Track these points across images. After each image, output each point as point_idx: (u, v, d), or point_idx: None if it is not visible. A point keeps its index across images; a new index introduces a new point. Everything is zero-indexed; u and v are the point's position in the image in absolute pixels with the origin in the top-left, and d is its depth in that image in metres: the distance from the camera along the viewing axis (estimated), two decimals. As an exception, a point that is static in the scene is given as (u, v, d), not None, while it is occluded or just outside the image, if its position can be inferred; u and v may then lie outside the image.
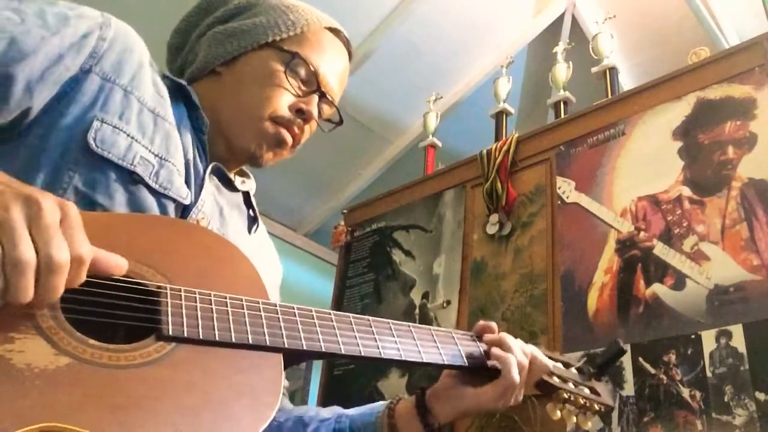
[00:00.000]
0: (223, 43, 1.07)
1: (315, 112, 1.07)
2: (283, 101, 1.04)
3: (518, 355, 0.97)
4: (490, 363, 0.97)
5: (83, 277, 0.64)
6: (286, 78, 1.04)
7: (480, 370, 0.97)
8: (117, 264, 0.69)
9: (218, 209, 1.02)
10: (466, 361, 0.95)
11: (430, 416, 0.97)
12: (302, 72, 1.06)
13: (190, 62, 1.12)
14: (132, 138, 0.88)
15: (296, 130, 1.06)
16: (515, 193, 2.19)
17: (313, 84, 1.07)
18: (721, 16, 2.76)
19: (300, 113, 1.05)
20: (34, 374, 0.59)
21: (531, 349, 1.02)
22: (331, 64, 1.10)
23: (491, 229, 2.20)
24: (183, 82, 1.03)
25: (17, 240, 0.58)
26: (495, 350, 0.98)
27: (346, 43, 1.16)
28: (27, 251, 0.58)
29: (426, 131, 2.90)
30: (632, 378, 1.68)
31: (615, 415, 1.66)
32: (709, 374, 1.55)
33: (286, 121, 1.04)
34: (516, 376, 0.94)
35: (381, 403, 1.05)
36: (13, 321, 0.62)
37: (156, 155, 0.90)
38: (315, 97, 1.07)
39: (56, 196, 0.64)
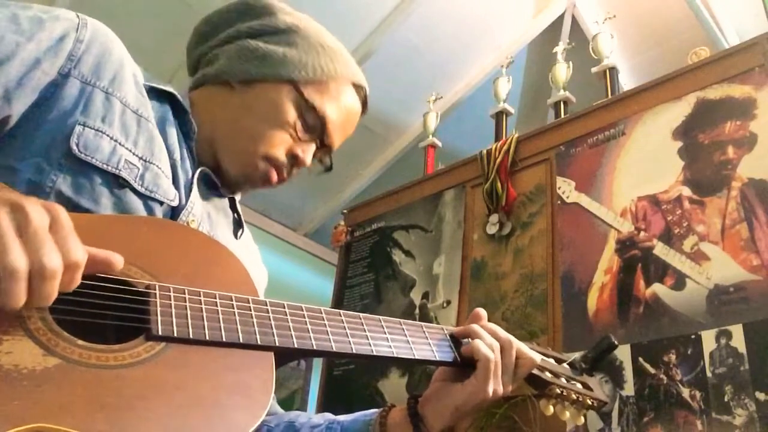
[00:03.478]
0: (247, 60, 1.05)
1: (309, 160, 1.06)
2: (282, 144, 1.03)
3: (485, 337, 0.96)
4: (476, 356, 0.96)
5: (78, 281, 0.64)
6: (294, 123, 1.04)
7: (470, 367, 0.96)
8: (115, 260, 0.68)
9: (206, 213, 1.01)
10: (458, 357, 0.95)
11: (423, 424, 0.95)
12: (310, 120, 1.05)
13: (208, 61, 1.10)
14: (115, 141, 0.87)
15: (285, 174, 1.05)
16: (515, 193, 2.18)
17: (317, 132, 1.06)
18: (721, 16, 2.76)
19: (294, 158, 1.04)
20: (22, 375, 0.59)
21: (516, 342, 0.99)
22: (341, 118, 1.08)
23: (491, 229, 2.20)
24: (171, 90, 1.01)
25: (7, 247, 0.58)
26: (465, 342, 0.97)
27: (364, 99, 1.15)
28: (18, 259, 0.58)
29: (426, 131, 2.90)
30: (632, 378, 1.67)
31: (615, 415, 1.66)
32: (709, 374, 1.55)
33: (279, 163, 1.03)
34: (487, 353, 0.93)
35: (374, 410, 1.03)
36: (0, 322, 0.61)
37: (140, 158, 0.89)
38: (313, 145, 1.06)
39: (43, 200, 0.63)
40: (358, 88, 1.12)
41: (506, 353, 0.97)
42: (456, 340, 0.98)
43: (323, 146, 1.08)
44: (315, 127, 1.05)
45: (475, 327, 0.98)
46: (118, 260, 0.69)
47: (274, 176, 1.04)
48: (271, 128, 1.02)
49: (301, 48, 1.07)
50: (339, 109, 1.08)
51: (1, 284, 0.58)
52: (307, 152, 1.05)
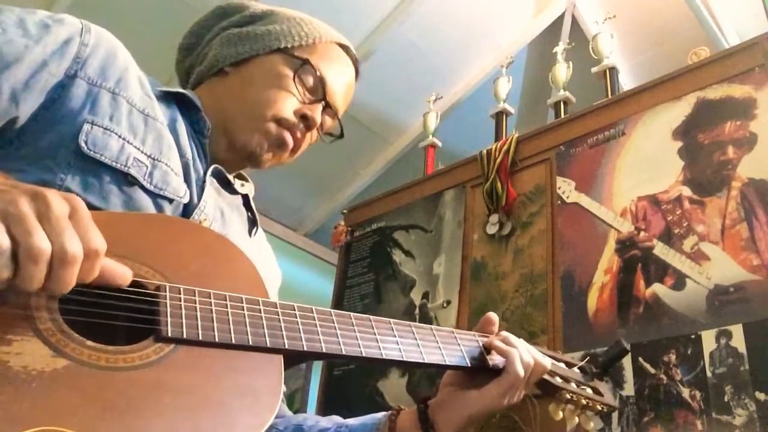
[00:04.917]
0: (235, 44, 1.09)
1: (318, 120, 1.08)
2: (289, 105, 1.05)
3: (522, 352, 0.97)
4: (491, 361, 0.96)
5: (97, 271, 0.64)
6: (294, 83, 1.05)
7: (480, 371, 0.96)
8: (122, 274, 0.69)
9: (219, 211, 1.02)
10: (468, 361, 0.95)
11: (434, 430, 0.95)
12: (310, 80, 1.07)
13: (199, 62, 1.13)
14: (124, 139, 0.87)
15: (298, 134, 1.06)
16: (515, 193, 2.18)
17: (319, 93, 1.08)
18: (721, 16, 2.76)
19: (304, 119, 1.06)
20: (31, 376, 0.59)
21: (532, 349, 1.01)
22: (338, 77, 1.11)
23: (491, 229, 2.20)
24: (181, 90, 1.03)
25: (31, 230, 0.58)
26: (497, 344, 0.97)
27: (355, 61, 1.17)
28: (42, 240, 0.58)
29: (426, 131, 2.90)
30: (632, 378, 1.67)
31: (615, 415, 1.66)
32: (709, 374, 1.55)
33: (290, 124, 1.05)
34: (520, 369, 0.94)
35: (382, 414, 1.03)
36: (10, 323, 0.61)
37: (148, 156, 0.90)
38: (320, 106, 1.08)
39: (62, 192, 0.64)
40: (345, 48, 1.15)
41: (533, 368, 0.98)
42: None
43: (328, 106, 1.10)
44: (316, 86, 1.07)
45: (513, 340, 0.99)
46: (127, 274, 0.69)
47: (288, 138, 1.05)
48: (274, 92, 1.05)
49: (281, 23, 1.11)
50: (332, 66, 1.10)
51: (22, 266, 0.58)
52: (315, 111, 1.07)
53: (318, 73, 1.07)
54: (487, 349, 0.98)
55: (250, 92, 1.05)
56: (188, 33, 1.17)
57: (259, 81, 1.06)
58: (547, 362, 1.00)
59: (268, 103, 1.04)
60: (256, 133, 1.04)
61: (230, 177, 1.06)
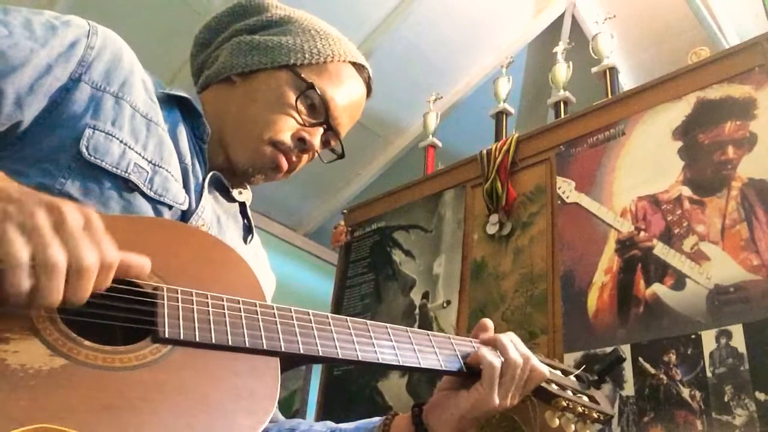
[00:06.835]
0: (245, 54, 1.07)
1: (317, 144, 1.06)
2: (287, 127, 1.03)
3: (511, 352, 0.96)
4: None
5: (110, 282, 0.65)
6: (296, 105, 1.04)
7: (477, 377, 0.96)
8: (142, 264, 0.69)
9: (216, 217, 1.02)
10: (464, 366, 0.95)
11: None
12: (314, 103, 1.05)
13: (209, 64, 1.12)
14: (125, 144, 0.87)
15: (293, 158, 1.06)
16: (515, 193, 2.18)
17: (322, 116, 1.06)
18: (721, 16, 2.75)
19: (301, 142, 1.05)
20: (28, 375, 0.59)
21: (529, 354, 1.00)
22: (345, 99, 1.09)
23: (491, 229, 2.20)
24: (184, 95, 1.02)
25: (48, 243, 0.59)
26: (475, 353, 0.97)
27: (368, 80, 1.15)
28: (58, 253, 0.59)
29: (426, 131, 2.89)
30: (632, 378, 1.67)
31: (615, 415, 1.66)
32: (709, 374, 1.55)
33: (286, 147, 1.04)
34: (492, 360, 0.92)
35: (377, 418, 1.03)
36: (8, 321, 0.62)
37: (149, 162, 0.90)
38: (320, 129, 1.06)
39: (75, 203, 0.64)
40: (358, 67, 1.13)
41: (523, 367, 0.97)
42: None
43: (330, 129, 1.08)
44: (319, 109, 1.05)
45: (500, 337, 0.98)
46: (145, 264, 0.69)
47: (284, 162, 1.04)
48: (274, 113, 1.03)
49: (295, 35, 1.08)
50: (340, 88, 1.08)
51: (40, 279, 0.58)
52: (314, 135, 1.05)
53: (323, 98, 1.05)
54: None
55: (252, 109, 1.04)
56: (204, 27, 1.16)
57: (262, 98, 1.04)
58: (545, 370, 1.00)
59: (267, 124, 1.03)
60: (251, 153, 1.03)
61: (228, 184, 1.06)
